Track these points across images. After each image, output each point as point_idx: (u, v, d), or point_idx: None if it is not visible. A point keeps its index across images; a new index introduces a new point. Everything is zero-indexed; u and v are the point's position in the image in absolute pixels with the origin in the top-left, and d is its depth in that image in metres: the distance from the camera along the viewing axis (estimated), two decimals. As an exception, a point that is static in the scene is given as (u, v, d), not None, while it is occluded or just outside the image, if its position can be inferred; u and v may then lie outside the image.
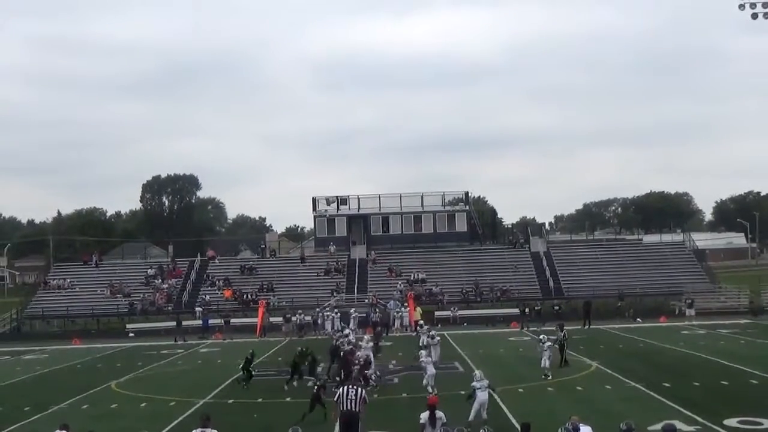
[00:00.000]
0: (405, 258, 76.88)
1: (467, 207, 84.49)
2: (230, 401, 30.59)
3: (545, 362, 30.99)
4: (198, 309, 65.72)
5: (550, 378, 30.40)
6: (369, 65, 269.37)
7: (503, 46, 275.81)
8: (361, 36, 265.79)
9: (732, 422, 23.56)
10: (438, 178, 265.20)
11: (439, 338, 35.52)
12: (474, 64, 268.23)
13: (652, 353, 41.78)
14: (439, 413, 19.65)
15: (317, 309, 63.37)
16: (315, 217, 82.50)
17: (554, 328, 39.38)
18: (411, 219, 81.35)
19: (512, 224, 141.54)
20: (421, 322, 46.66)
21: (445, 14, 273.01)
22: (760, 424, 23.17)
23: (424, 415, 19.60)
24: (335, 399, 21.42)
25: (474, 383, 23.85)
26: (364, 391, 21.74)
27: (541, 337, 31.69)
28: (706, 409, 25.10)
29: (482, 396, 23.45)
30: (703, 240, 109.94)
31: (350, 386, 21.76)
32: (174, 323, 61.85)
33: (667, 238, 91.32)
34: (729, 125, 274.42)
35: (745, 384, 30.91)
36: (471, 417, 22.90)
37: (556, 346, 35.45)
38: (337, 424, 21.53)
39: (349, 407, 20.95)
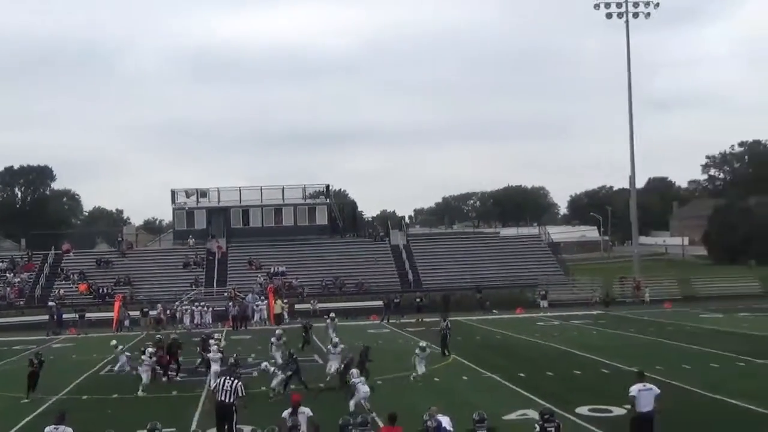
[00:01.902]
0: (265, 251, 76.45)
1: (328, 200, 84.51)
2: (84, 397, 29.89)
3: (421, 369, 30.37)
4: (51, 304, 63.89)
5: (420, 383, 30.02)
6: (230, 57, 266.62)
7: (365, 40, 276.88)
8: (224, 28, 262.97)
9: (583, 410, 24.19)
10: (299, 171, 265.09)
11: (342, 347, 32.04)
12: (335, 57, 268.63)
13: (508, 344, 42.63)
14: (304, 409, 19.63)
15: (176, 303, 62.58)
16: (174, 210, 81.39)
17: (438, 319, 39.90)
18: (271, 212, 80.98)
19: (372, 217, 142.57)
20: (333, 314, 46.29)
21: (303, 8, 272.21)
22: (610, 411, 23.84)
23: (287, 413, 19.56)
24: (213, 390, 21.36)
25: (353, 380, 24.04)
26: (240, 383, 21.62)
27: (422, 344, 31.36)
28: (559, 398, 25.68)
29: (363, 389, 23.56)
30: (558, 233, 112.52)
31: (227, 377, 21.87)
32: (46, 317, 60.28)
33: (523, 231, 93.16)
34: (584, 122, 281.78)
35: (597, 373, 31.81)
36: (351, 409, 22.98)
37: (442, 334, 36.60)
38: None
39: (223, 398, 21.01)
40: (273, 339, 34.88)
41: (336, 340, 32.17)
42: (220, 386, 21.44)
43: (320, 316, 62.87)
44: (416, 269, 74.68)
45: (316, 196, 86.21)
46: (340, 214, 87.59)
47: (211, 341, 33.80)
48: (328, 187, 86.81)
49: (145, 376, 30.65)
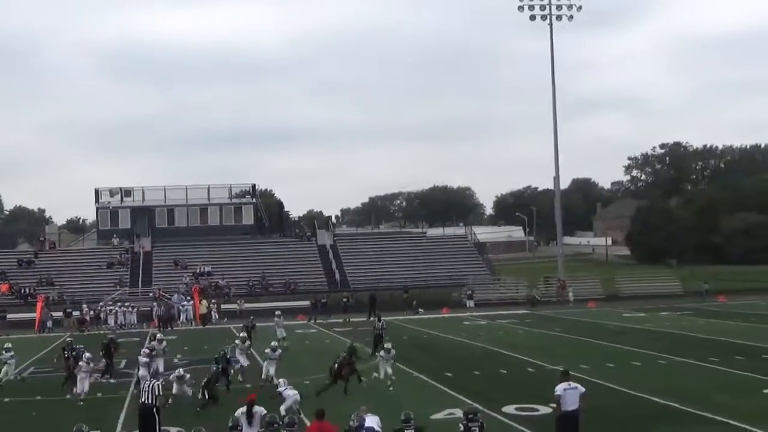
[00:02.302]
0: (191, 251, 75.85)
1: (254, 199, 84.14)
2: (6, 400, 29.37)
3: (387, 370, 29.62)
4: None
5: (391, 389, 29.38)
6: (156, 55, 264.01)
7: (291, 40, 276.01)
8: (149, 25, 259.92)
9: (510, 409, 24.41)
10: (225, 171, 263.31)
11: (280, 351, 31.34)
12: (262, 58, 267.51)
13: (435, 344, 42.85)
14: (259, 408, 19.60)
15: (100, 303, 61.82)
16: (98, 209, 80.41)
17: (374, 319, 39.83)
18: (197, 211, 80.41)
19: (299, 217, 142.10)
20: (279, 312, 45.89)
21: (233, 6, 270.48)
22: (536, 410, 24.08)
23: (240, 411, 19.52)
24: (138, 392, 21.27)
25: (279, 388, 23.93)
26: (160, 385, 21.55)
27: (387, 345, 30.68)
28: (486, 397, 25.90)
29: (291, 394, 23.44)
30: (484, 233, 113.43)
31: (151, 380, 22.02)
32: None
33: (450, 231, 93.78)
34: (509, 123, 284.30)
35: (523, 372, 32.13)
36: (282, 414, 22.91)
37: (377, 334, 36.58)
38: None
39: (145, 400, 20.95)
40: (237, 342, 34.26)
41: (275, 344, 31.65)
42: (142, 389, 21.52)
43: (246, 316, 62.66)
44: (343, 269, 74.72)
45: (243, 195, 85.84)
46: (267, 214, 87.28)
47: (154, 343, 32.78)
48: (254, 186, 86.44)
49: (83, 385, 28.51)
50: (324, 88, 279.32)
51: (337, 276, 73.53)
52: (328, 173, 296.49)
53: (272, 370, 29.20)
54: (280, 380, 24.85)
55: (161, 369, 31.16)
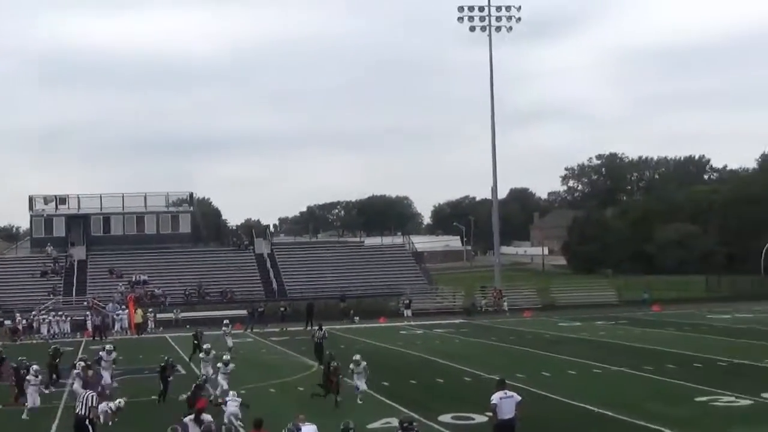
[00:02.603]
0: (127, 259, 75.05)
1: (191, 208, 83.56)
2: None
3: (361, 385, 29.00)
4: None
5: (360, 402, 28.87)
6: (90, 62, 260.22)
7: (230, 48, 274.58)
8: (83, 32, 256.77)
9: (446, 418, 24.45)
10: (162, 179, 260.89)
11: (233, 366, 29.80)
12: (201, 65, 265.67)
13: (371, 353, 42.69)
14: (207, 416, 19.43)
15: (33, 312, 60.84)
16: (32, 217, 79.20)
17: (314, 328, 39.63)
18: (133, 219, 79.64)
19: (237, 226, 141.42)
20: (227, 321, 45.32)
21: (166, 13, 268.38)
22: (472, 419, 24.15)
23: (189, 418, 19.34)
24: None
25: (227, 398, 23.77)
26: (95, 397, 21.25)
27: (355, 357, 30.10)
28: (422, 407, 25.92)
29: (232, 406, 23.25)
30: (421, 243, 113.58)
31: (86, 391, 21.73)
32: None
33: (387, 240, 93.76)
34: (448, 133, 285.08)
35: (459, 381, 32.23)
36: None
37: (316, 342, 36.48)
38: None
39: (79, 411, 20.65)
40: (201, 355, 33.64)
41: (227, 358, 30.54)
42: (78, 399, 21.33)
43: (182, 325, 62.16)
44: (281, 278, 74.46)
45: (180, 204, 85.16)
46: (204, 223, 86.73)
47: (103, 354, 31.85)
48: (191, 195, 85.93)
49: (32, 400, 27.01)
50: (262, 97, 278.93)
51: (275, 285, 73.26)
52: (266, 182, 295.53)
53: (225, 385, 28.51)
54: (231, 392, 24.75)
55: (108, 380, 30.51)
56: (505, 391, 19.28)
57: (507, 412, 18.88)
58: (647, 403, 26.14)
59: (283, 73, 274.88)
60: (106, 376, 30.90)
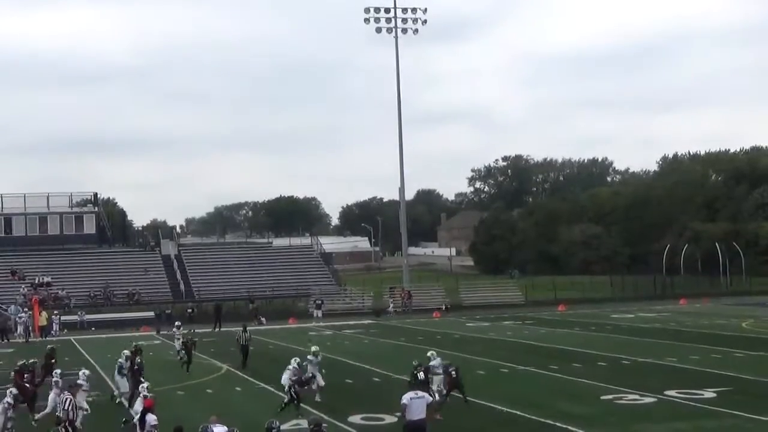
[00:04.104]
0: (29, 260, 73.56)
1: (96, 208, 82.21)
2: None
3: (320, 381, 28.59)
4: None
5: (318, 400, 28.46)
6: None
7: (136, 48, 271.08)
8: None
9: (356, 419, 24.47)
10: (65, 180, 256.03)
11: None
12: (105, 65, 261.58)
13: (280, 354, 42.53)
14: (152, 417, 19.37)
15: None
16: (-71, 218, 77.12)
17: (239, 328, 39.24)
18: (36, 220, 78.07)
19: (143, 227, 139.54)
20: (178, 323, 44.36)
21: (73, 11, 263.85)
22: (382, 419, 24.20)
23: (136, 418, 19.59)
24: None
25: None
26: (70, 400, 21.21)
27: (314, 348, 29.58)
28: (332, 408, 25.88)
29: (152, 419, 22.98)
30: (330, 244, 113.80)
31: (65, 394, 21.71)
32: None
33: (296, 241, 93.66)
34: (356, 134, 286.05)
35: (369, 382, 32.30)
36: None
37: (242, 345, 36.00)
38: None
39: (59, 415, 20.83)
40: (180, 344, 32.73)
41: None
42: (60, 402, 21.46)
43: (88, 327, 61.15)
44: (188, 279, 73.77)
45: (84, 204, 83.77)
46: (109, 224, 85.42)
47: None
48: (96, 195, 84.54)
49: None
50: (169, 96, 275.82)
51: (182, 286, 72.55)
52: (173, 183, 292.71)
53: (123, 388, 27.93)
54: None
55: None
56: (416, 391, 19.37)
57: (417, 412, 18.93)
58: (554, 402, 26.52)
59: (191, 73, 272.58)
60: (121, 386, 28.95)
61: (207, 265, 77.40)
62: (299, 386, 25.67)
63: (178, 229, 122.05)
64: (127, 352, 29.19)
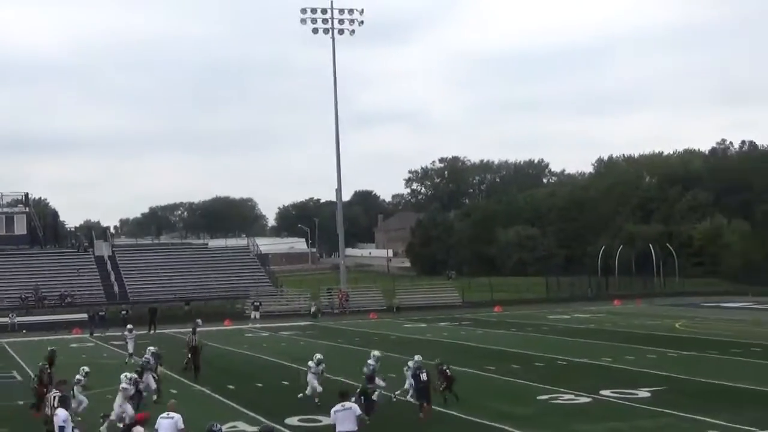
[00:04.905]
0: (-42, 262, 72.25)
1: (27, 209, 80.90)
2: None
3: (317, 387, 28.07)
4: None
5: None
6: None
7: (70, 46, 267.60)
8: None
9: (293, 421, 24.29)
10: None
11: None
12: (38, 62, 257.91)
13: (217, 356, 42.20)
14: (140, 429, 18.97)
15: None
16: None
17: (190, 331, 38.73)
18: (-36, 221, 76.69)
19: (75, 227, 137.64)
20: (131, 326, 43.46)
21: (10, 8, 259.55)
22: (319, 421, 24.03)
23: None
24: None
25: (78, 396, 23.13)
26: (57, 398, 20.85)
27: (318, 356, 29.03)
28: (268, 410, 25.69)
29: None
30: (266, 245, 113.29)
31: (53, 392, 21.56)
32: None
33: (232, 242, 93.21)
34: (293, 135, 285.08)
35: (305, 384, 32.02)
36: None
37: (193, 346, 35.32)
38: None
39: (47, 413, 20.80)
40: (132, 344, 31.88)
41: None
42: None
43: (19, 330, 60.09)
44: (122, 281, 72.94)
45: (14, 204, 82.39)
46: (41, 224, 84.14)
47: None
48: (27, 195, 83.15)
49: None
50: (102, 95, 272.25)
51: (116, 288, 71.72)
52: (106, 183, 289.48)
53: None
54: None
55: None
56: (343, 403, 19.29)
57: (345, 424, 18.90)
58: (491, 402, 26.56)
59: (126, 72, 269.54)
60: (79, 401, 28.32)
61: (141, 267, 76.62)
62: None
63: (111, 230, 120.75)
64: (86, 368, 28.33)
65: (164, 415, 18.61)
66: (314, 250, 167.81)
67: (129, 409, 22.92)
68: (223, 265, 78.94)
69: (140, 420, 19.44)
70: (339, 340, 48.61)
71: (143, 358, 29.47)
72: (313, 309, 67.90)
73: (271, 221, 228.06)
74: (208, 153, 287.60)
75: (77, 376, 25.82)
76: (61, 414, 19.21)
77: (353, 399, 21.30)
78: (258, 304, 65.81)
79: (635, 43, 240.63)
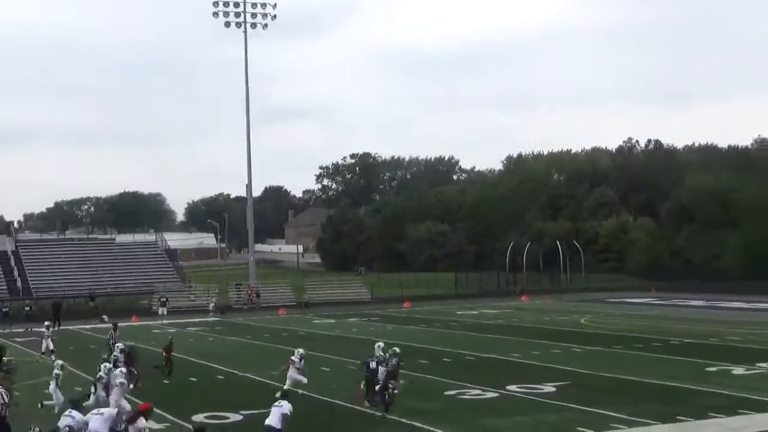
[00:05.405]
0: None
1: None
2: None
3: (301, 378, 27.74)
4: None
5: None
6: None
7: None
8: None
9: (200, 417, 24.02)
10: None
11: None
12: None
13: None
14: (143, 421, 18.27)
15: None
16: None
17: (111, 327, 38.05)
18: None
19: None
20: (48, 323, 42.16)
21: None
22: (227, 418, 23.89)
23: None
24: None
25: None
26: (7, 395, 20.45)
27: (301, 352, 28.58)
28: (174, 407, 25.36)
29: None
30: (175, 240, 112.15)
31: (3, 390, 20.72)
32: None
33: (140, 238, 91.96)
34: (202, 129, 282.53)
35: (213, 380, 31.85)
36: None
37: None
38: None
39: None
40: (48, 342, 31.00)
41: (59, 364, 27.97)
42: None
43: None
44: (26, 276, 71.52)
45: None
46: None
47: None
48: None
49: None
50: (5, 88, 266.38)
51: (19, 283, 70.28)
52: (9, 176, 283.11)
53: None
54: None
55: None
56: (279, 402, 19.51)
57: (270, 418, 19.11)
58: (399, 398, 26.58)
59: (32, 65, 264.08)
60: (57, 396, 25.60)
61: (46, 262, 75.25)
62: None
63: (15, 225, 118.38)
64: (60, 362, 27.56)
65: (95, 411, 18.52)
66: (224, 245, 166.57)
67: (125, 404, 22.54)
68: (130, 261, 77.94)
69: (143, 411, 18.97)
70: (248, 336, 48.38)
71: (113, 355, 28.67)
72: (211, 305, 66.94)
73: (181, 216, 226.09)
74: (117, 147, 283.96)
75: (55, 371, 25.52)
76: (141, 423, 18.34)
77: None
78: (165, 299, 65.12)
79: (545, 43, 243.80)
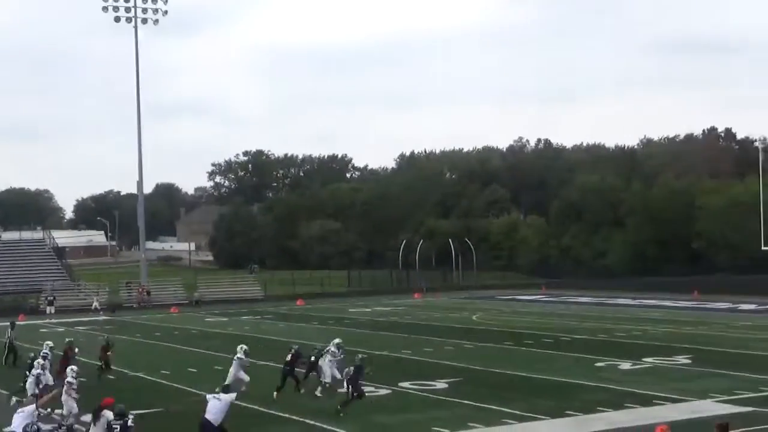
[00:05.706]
0: None
1: None
2: None
3: (244, 376, 27.57)
4: None
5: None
6: None
7: None
8: None
9: (88, 418, 23.57)
10: None
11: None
12: None
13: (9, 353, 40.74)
14: (110, 413, 18.17)
15: None
16: None
17: (8, 325, 37.02)
18: None
19: None
20: (13, 322, 40.46)
21: None
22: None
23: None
24: None
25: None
26: None
27: (245, 348, 27.89)
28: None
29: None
30: (63, 238, 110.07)
31: None
32: None
33: (26, 235, 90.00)
34: (92, 125, 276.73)
35: (104, 379, 31.34)
36: None
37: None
38: None
39: None
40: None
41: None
42: None
43: None
44: None
45: None
46: None
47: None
48: None
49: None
50: None
51: None
52: None
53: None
54: None
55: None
56: (217, 393, 19.82)
57: (209, 411, 19.38)
58: (294, 397, 26.63)
59: None
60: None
61: (-73, 260, 73.20)
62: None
63: None
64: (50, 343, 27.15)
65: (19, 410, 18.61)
66: (114, 243, 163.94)
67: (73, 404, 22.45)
68: (16, 259, 76.20)
69: (107, 404, 18.63)
70: (137, 335, 47.81)
71: (42, 352, 27.96)
72: (94, 304, 65.54)
73: (69, 214, 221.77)
74: (3, 143, 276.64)
75: (43, 351, 26.13)
76: (108, 415, 18.31)
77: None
78: (52, 298, 63.81)
79: (439, 42, 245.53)
